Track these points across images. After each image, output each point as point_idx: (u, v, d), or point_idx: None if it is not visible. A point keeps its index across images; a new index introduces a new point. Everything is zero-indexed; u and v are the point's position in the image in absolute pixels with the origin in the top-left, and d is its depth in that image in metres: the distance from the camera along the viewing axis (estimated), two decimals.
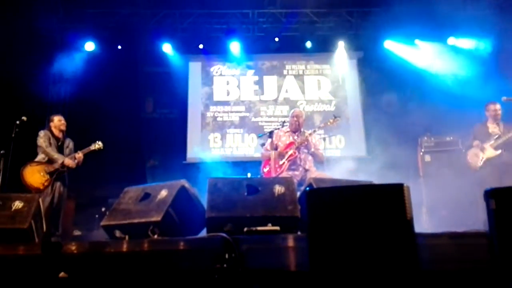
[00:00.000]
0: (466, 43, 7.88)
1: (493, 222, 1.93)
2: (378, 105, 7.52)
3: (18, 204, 3.49)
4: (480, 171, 5.43)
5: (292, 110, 5.21)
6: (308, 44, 8.40)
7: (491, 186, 5.19)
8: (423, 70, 7.99)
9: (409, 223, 1.88)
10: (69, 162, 5.12)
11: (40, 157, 5.17)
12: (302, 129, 5.02)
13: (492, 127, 5.49)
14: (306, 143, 4.76)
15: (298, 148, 4.77)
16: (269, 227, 2.95)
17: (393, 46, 8.25)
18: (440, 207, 6.02)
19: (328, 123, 4.99)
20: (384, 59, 8.14)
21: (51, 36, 7.76)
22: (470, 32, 7.75)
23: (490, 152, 5.37)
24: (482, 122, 5.63)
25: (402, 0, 7.32)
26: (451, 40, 7.96)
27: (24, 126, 4.95)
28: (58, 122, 5.32)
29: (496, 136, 5.38)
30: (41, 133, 5.22)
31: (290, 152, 4.75)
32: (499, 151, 5.32)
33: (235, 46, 8.30)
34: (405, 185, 1.93)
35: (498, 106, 5.53)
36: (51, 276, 2.49)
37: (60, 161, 5.09)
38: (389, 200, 1.90)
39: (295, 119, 4.96)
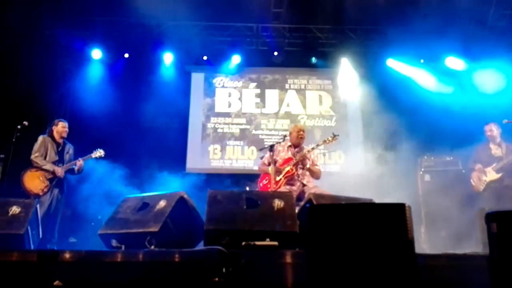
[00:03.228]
0: (462, 64, 7.92)
1: (494, 245, 1.91)
2: (379, 122, 7.53)
3: (15, 209, 3.48)
4: (482, 193, 5.43)
5: (295, 125, 5.11)
6: (312, 60, 8.46)
7: (490, 208, 5.21)
8: (424, 88, 8.03)
9: (411, 243, 1.87)
10: (58, 170, 5.11)
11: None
12: (302, 145, 4.99)
13: (494, 148, 5.50)
14: (304, 159, 4.72)
15: (295, 165, 4.73)
16: (268, 242, 2.92)
17: (395, 64, 8.30)
18: (439, 227, 5.99)
19: (327, 141, 4.93)
20: (385, 77, 8.18)
21: (57, 42, 7.81)
22: (470, 53, 7.81)
23: (492, 175, 5.38)
24: (484, 143, 5.64)
25: (405, 20, 7.39)
26: (450, 60, 7.99)
27: (26, 131, 4.95)
28: (61, 128, 5.32)
29: (499, 159, 5.38)
30: (39, 140, 5.22)
31: (287, 168, 4.71)
32: (500, 174, 5.32)
33: (238, 59, 8.36)
34: (406, 204, 1.92)
35: (488, 127, 5.55)
36: (45, 284, 2.46)
37: (51, 170, 5.08)
38: (390, 220, 1.88)
39: (301, 133, 4.88)
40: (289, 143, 4.97)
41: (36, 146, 5.16)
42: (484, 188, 5.40)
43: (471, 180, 5.57)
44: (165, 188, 6.07)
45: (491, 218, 1.96)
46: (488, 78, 7.30)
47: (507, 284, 1.85)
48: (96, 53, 8.07)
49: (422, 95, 7.80)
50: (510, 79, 7.11)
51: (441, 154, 6.55)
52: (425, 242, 6.01)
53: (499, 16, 7.62)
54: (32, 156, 5.09)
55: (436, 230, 6.02)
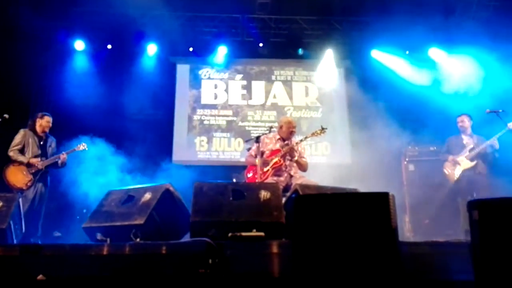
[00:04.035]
0: (445, 54, 7.99)
1: (475, 233, 1.95)
2: (364, 113, 7.58)
3: None
4: (457, 182, 5.59)
5: (287, 120, 5.02)
6: (299, 51, 8.44)
7: (469, 196, 5.35)
8: (408, 80, 8.09)
9: (394, 231, 1.89)
10: (34, 161, 5.02)
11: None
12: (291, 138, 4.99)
13: (466, 139, 5.71)
14: (291, 151, 4.73)
15: (283, 156, 4.74)
16: (254, 233, 2.93)
17: (379, 55, 8.34)
18: (423, 215, 6.10)
19: (315, 134, 4.94)
20: (370, 68, 8.22)
21: (36, 34, 7.59)
22: (453, 44, 7.87)
23: (465, 163, 5.56)
24: (456, 135, 5.81)
25: (390, 11, 7.41)
26: (433, 51, 8.05)
27: (7, 124, 4.84)
28: (45, 122, 5.23)
29: (471, 147, 5.57)
30: (20, 133, 5.13)
31: (275, 159, 4.72)
32: (474, 162, 5.51)
33: (224, 50, 8.30)
34: (390, 193, 1.94)
35: (460, 119, 5.79)
36: (29, 278, 2.42)
37: (25, 161, 4.99)
38: (374, 209, 1.90)
39: (291, 129, 4.87)
40: (278, 136, 4.96)
41: (16, 140, 5.06)
42: (458, 177, 5.55)
43: (444, 170, 5.74)
44: (151, 181, 6.04)
45: (473, 205, 2.00)
46: (470, 69, 7.40)
47: (488, 270, 1.90)
48: (79, 44, 7.92)
49: (407, 85, 7.86)
50: (492, 70, 7.21)
51: (425, 144, 6.65)
52: (409, 231, 6.12)
53: (483, 6, 7.70)
54: (9, 150, 5.00)
55: (420, 218, 6.13)
